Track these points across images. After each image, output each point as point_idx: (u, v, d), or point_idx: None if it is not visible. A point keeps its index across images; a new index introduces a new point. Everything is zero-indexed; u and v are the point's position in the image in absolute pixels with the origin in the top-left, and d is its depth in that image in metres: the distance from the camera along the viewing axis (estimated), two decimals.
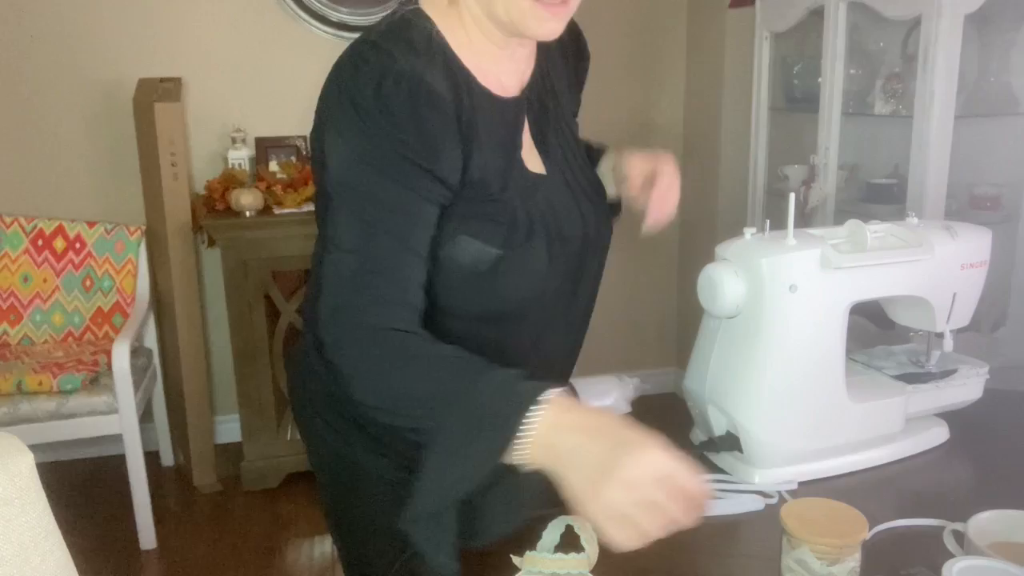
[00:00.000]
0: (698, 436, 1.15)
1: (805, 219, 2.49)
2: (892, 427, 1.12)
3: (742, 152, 2.88)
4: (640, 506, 0.66)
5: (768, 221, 1.09)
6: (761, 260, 1.03)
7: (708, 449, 1.10)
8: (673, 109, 3.25)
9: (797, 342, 1.05)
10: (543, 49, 1.02)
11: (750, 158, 2.82)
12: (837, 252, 1.05)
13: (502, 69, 0.95)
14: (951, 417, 1.17)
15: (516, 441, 0.71)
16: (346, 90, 0.84)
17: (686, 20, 3.20)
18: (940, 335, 1.18)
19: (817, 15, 2.49)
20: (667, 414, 1.16)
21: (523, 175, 0.95)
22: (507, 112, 0.95)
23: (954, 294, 1.13)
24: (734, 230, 1.11)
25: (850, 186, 2.56)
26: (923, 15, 2.09)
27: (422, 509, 0.77)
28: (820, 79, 2.47)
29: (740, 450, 1.07)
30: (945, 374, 1.18)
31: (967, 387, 1.18)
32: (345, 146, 0.85)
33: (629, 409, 1.77)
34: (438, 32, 0.91)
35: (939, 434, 1.16)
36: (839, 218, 2.46)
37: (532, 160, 0.98)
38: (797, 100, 2.71)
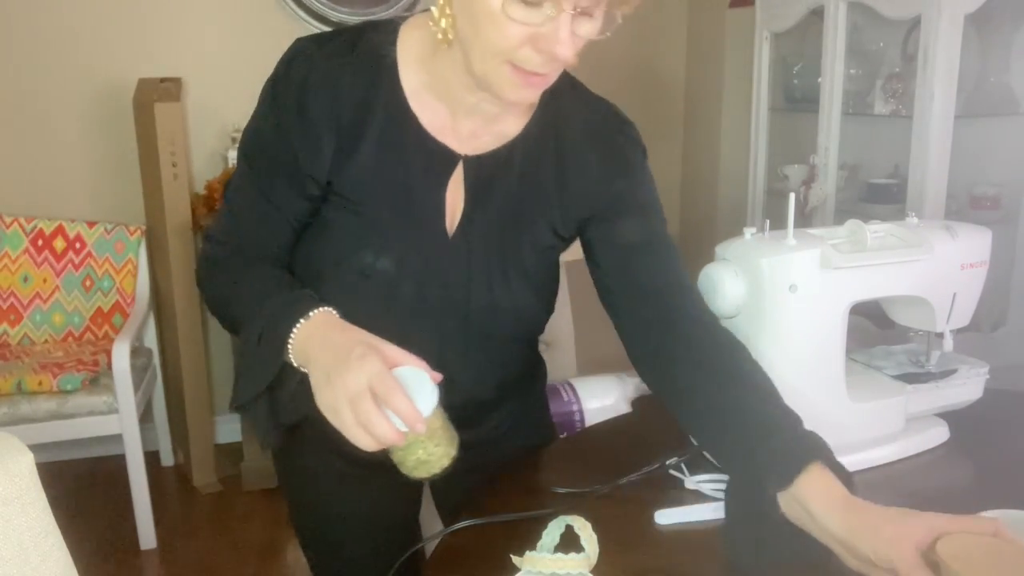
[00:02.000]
0: None
1: (805, 219, 2.49)
2: (892, 427, 1.12)
3: (742, 152, 2.88)
4: (349, 405, 0.79)
5: (768, 221, 1.09)
6: (761, 260, 1.03)
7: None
8: (673, 109, 3.25)
9: (797, 342, 1.05)
10: (558, 136, 1.00)
11: (750, 158, 2.82)
12: (837, 252, 1.05)
13: (452, 117, 0.95)
14: (951, 417, 1.17)
15: (286, 347, 0.88)
16: (278, 68, 0.95)
17: (686, 20, 3.21)
18: (940, 335, 1.18)
19: (817, 15, 2.49)
20: (667, 414, 1.16)
21: (424, 217, 0.96)
22: (434, 154, 0.95)
23: (954, 294, 1.13)
24: (734, 230, 1.11)
25: (850, 186, 2.56)
26: (923, 15, 2.09)
27: (241, 397, 0.94)
28: (820, 79, 2.47)
29: None
30: (945, 374, 1.18)
31: (967, 387, 1.18)
32: (252, 117, 0.98)
33: (629, 409, 1.77)
34: (388, 51, 0.93)
35: (939, 434, 1.16)
36: (839, 218, 2.46)
37: (449, 217, 0.97)
38: (797, 100, 2.71)
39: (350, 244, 0.96)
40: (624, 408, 1.79)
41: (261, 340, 0.90)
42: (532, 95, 0.88)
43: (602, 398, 2.05)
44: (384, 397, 0.78)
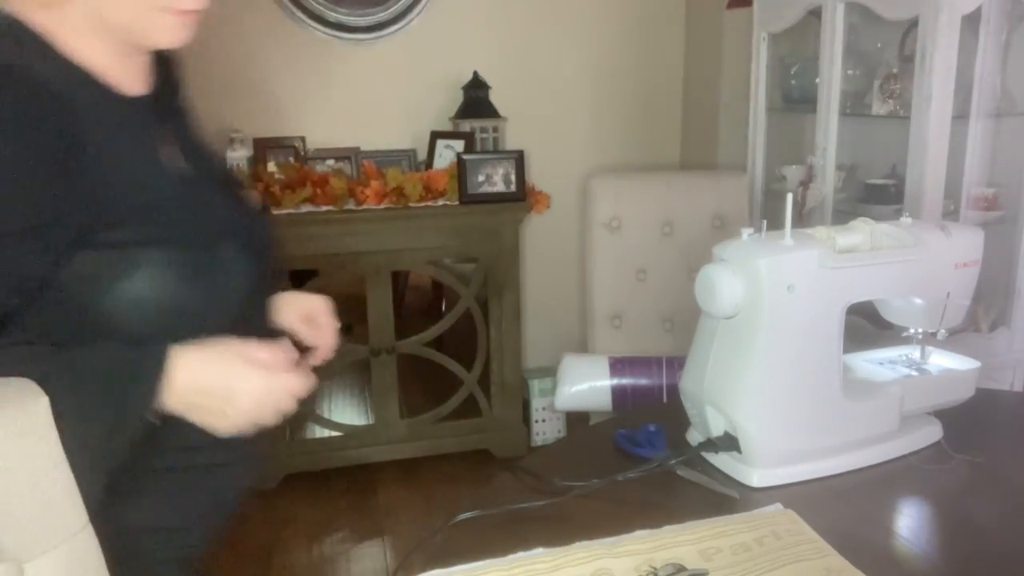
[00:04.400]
0: (695, 437, 1.15)
1: (803, 219, 2.49)
2: (887, 426, 1.12)
3: (740, 152, 2.89)
4: (263, 412, 0.85)
5: (765, 222, 1.09)
6: (759, 260, 1.03)
7: (707, 450, 1.10)
8: (671, 109, 3.25)
9: (795, 342, 1.05)
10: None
11: (748, 158, 2.82)
12: (834, 252, 1.05)
13: (123, 67, 0.86)
14: (944, 416, 1.18)
15: (156, 398, 0.81)
16: None
17: (684, 20, 3.21)
18: (934, 334, 1.18)
19: (815, 16, 2.50)
20: (665, 414, 1.16)
21: (169, 175, 0.89)
22: (135, 111, 0.87)
23: (948, 293, 1.14)
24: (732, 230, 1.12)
25: (848, 186, 2.56)
26: (920, 16, 2.09)
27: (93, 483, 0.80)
28: (818, 79, 2.47)
29: (739, 450, 1.07)
30: (939, 373, 1.19)
31: (960, 386, 1.19)
32: None
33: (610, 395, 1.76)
34: (24, 30, 0.80)
35: (933, 432, 1.16)
36: (837, 218, 2.47)
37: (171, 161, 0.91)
38: (795, 100, 2.71)
39: (229, 280, 0.90)
40: (606, 396, 1.77)
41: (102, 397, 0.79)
42: (187, 34, 0.85)
43: (586, 380, 2.04)
44: (285, 387, 0.86)
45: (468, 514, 0.96)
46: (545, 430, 3.02)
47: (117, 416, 0.80)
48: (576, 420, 3.03)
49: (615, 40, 3.09)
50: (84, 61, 0.83)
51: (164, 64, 0.96)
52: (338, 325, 1.14)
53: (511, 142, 2.88)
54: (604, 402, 2.19)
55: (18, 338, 0.81)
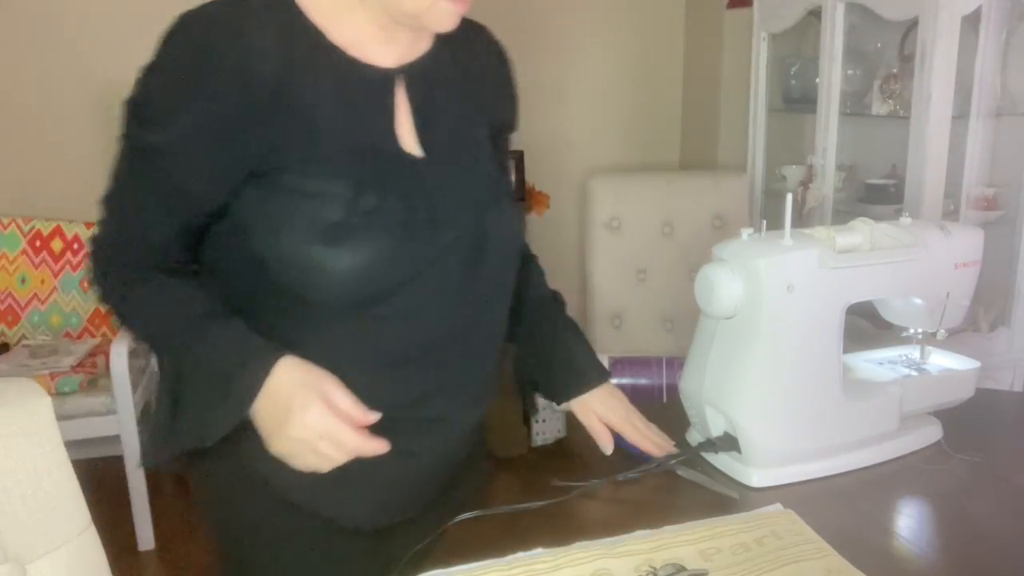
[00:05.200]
0: (695, 437, 1.15)
1: (803, 220, 2.49)
2: (887, 426, 1.12)
3: (740, 152, 2.89)
4: (306, 451, 0.85)
5: (765, 222, 1.09)
6: (758, 260, 1.03)
7: (706, 450, 1.10)
8: (671, 109, 3.25)
9: (795, 342, 1.05)
10: (454, 47, 0.98)
11: (748, 158, 2.82)
12: (834, 252, 1.05)
13: (375, 41, 0.90)
14: (944, 416, 1.18)
15: (247, 405, 0.86)
16: (168, 38, 0.84)
17: (684, 21, 3.21)
18: (934, 334, 1.18)
19: (815, 16, 2.50)
20: (665, 414, 1.16)
21: (385, 147, 0.90)
22: (370, 79, 0.90)
23: (948, 293, 1.14)
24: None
25: (848, 186, 2.56)
26: (920, 16, 2.09)
27: (187, 441, 0.92)
28: (818, 80, 2.47)
29: (738, 450, 1.07)
30: (939, 373, 1.19)
31: (960, 386, 1.19)
32: (143, 89, 0.86)
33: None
34: None
35: (932, 432, 1.16)
36: (837, 218, 2.47)
37: (408, 140, 0.92)
38: (795, 100, 2.72)
39: (313, 207, 0.85)
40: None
41: (205, 386, 0.89)
42: (458, 19, 0.89)
43: None
44: (337, 441, 0.84)
45: (468, 514, 0.96)
46: (545, 430, 3.02)
47: (216, 402, 0.87)
48: (576, 420, 3.02)
49: (615, 40, 3.10)
50: (332, 27, 0.87)
51: (438, 57, 0.97)
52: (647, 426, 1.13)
53: (511, 142, 2.88)
54: None
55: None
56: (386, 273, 0.87)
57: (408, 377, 0.93)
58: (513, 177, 2.37)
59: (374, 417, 0.87)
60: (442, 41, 0.97)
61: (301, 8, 0.87)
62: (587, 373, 1.13)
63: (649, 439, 1.10)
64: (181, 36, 0.82)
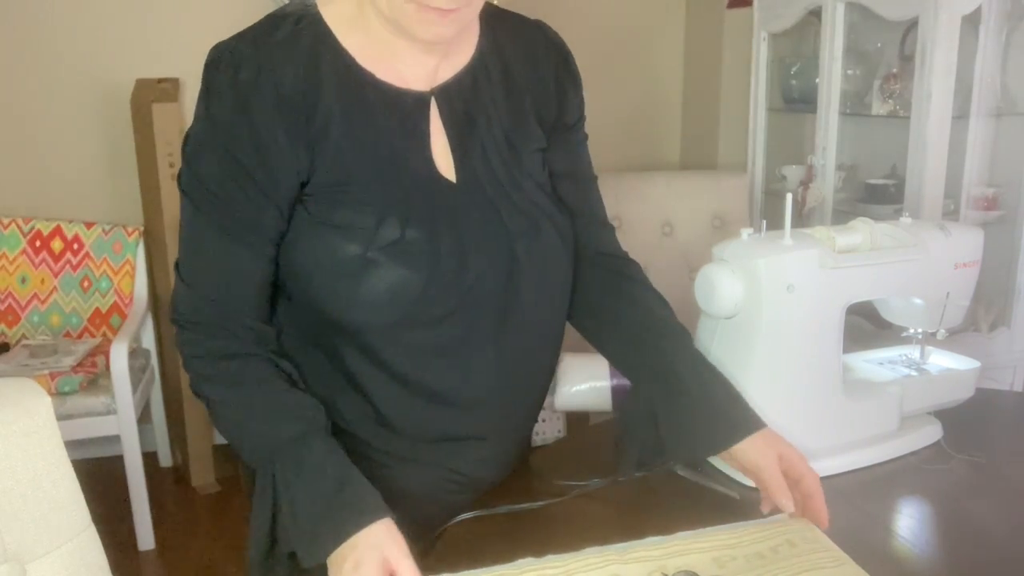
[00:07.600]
0: None
1: (803, 219, 2.49)
2: (887, 426, 1.12)
3: (740, 152, 2.89)
4: None
5: (765, 222, 1.09)
6: (758, 260, 1.03)
7: None
8: (671, 109, 3.25)
9: (795, 342, 1.05)
10: (503, 53, 0.97)
11: (748, 158, 2.82)
12: (834, 252, 1.05)
13: (404, 63, 0.91)
14: (944, 416, 1.18)
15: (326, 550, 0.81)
16: (203, 78, 0.88)
17: (684, 20, 3.21)
18: (934, 334, 1.18)
19: (815, 16, 2.50)
20: None
21: (419, 172, 0.90)
22: (403, 104, 0.90)
23: (947, 293, 1.14)
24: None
25: (848, 186, 2.56)
26: (920, 16, 2.09)
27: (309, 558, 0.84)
28: (818, 79, 2.47)
29: None
30: (938, 373, 1.19)
31: (960, 386, 1.19)
32: (192, 142, 0.89)
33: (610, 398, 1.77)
34: (317, 20, 0.89)
35: (933, 432, 1.16)
36: (837, 218, 2.47)
37: (443, 163, 0.92)
38: (795, 100, 2.72)
39: (356, 234, 0.86)
40: (606, 398, 1.80)
41: (300, 526, 0.83)
42: (446, 32, 0.86)
43: (590, 380, 2.03)
44: None
45: (468, 514, 0.96)
46: (545, 430, 3.02)
47: (299, 542, 0.83)
48: (576, 420, 3.02)
49: (615, 39, 3.10)
50: (363, 51, 0.89)
51: (475, 75, 0.95)
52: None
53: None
54: (604, 402, 2.18)
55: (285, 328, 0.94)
56: (413, 304, 0.88)
57: (432, 419, 0.96)
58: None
59: None
60: (488, 50, 0.96)
61: (331, 29, 0.89)
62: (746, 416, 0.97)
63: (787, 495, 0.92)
64: (212, 72, 0.86)
